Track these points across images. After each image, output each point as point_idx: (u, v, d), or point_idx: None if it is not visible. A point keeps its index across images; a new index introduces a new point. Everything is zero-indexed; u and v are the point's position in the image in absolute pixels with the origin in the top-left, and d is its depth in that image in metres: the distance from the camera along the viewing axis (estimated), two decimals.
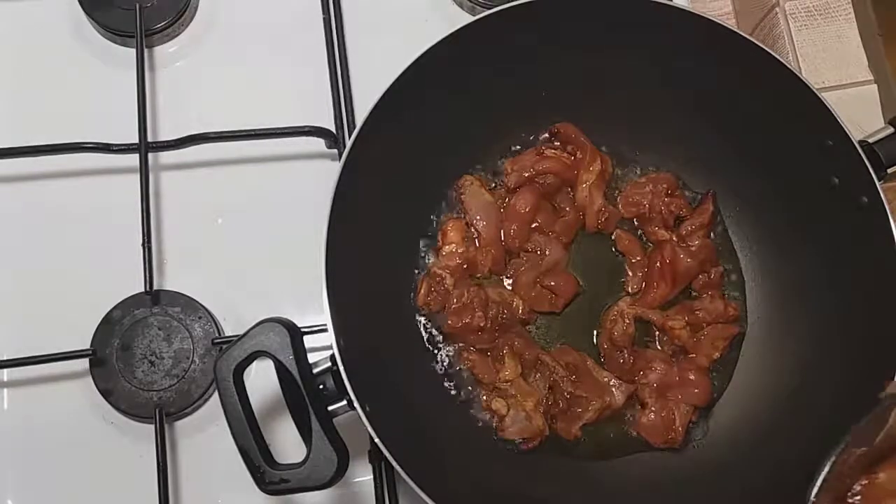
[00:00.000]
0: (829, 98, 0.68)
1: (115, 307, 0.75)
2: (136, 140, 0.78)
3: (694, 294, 0.78)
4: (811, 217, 0.73)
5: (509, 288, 0.77)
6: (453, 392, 0.74)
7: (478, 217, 0.77)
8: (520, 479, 0.72)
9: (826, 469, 0.53)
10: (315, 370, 0.62)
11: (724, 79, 0.73)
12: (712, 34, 0.71)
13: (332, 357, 0.61)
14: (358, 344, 0.63)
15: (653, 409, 0.73)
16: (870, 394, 0.63)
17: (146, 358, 0.75)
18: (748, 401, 0.75)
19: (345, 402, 0.61)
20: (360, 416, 0.60)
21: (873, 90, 0.80)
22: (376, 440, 0.60)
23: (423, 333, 0.75)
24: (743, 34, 0.70)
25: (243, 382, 0.61)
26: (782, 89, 0.70)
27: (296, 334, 0.61)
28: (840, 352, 0.70)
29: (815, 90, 0.68)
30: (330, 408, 0.61)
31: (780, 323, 0.76)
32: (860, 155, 0.66)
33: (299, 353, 0.60)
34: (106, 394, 0.73)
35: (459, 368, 0.75)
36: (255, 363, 0.61)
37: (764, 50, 0.69)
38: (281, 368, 0.60)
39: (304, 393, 0.60)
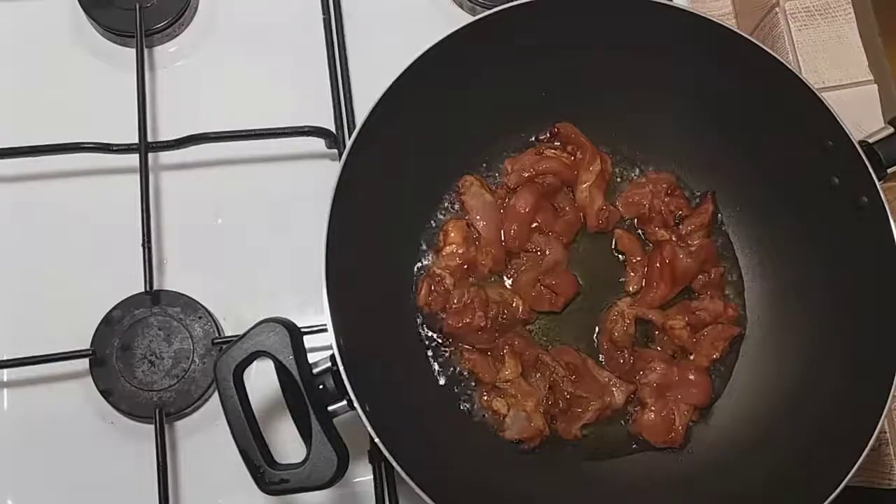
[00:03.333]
0: (829, 98, 0.68)
1: (115, 307, 0.75)
2: (136, 140, 0.78)
3: (694, 294, 0.78)
4: (811, 217, 0.73)
5: (509, 288, 0.77)
6: (453, 392, 0.74)
7: (478, 217, 0.77)
8: (520, 479, 0.72)
9: None
10: (315, 370, 0.62)
11: (724, 79, 0.73)
12: (712, 34, 0.71)
13: (332, 357, 0.61)
14: (358, 344, 0.63)
15: (653, 409, 0.73)
16: (870, 394, 0.64)
17: (146, 358, 0.75)
18: (748, 401, 0.75)
19: (345, 402, 0.61)
20: (360, 416, 0.60)
21: (873, 90, 0.80)
22: (376, 440, 0.60)
23: (423, 333, 0.75)
24: (743, 34, 0.70)
25: (243, 382, 0.61)
26: (782, 89, 0.70)
27: (296, 334, 0.61)
28: (840, 352, 0.69)
29: (815, 90, 0.68)
30: (330, 408, 0.61)
31: (780, 323, 0.76)
32: (860, 155, 0.66)
33: (299, 353, 0.60)
34: (106, 394, 0.73)
35: (459, 368, 0.75)
36: (255, 363, 0.61)
37: (764, 50, 0.69)
38: (281, 368, 0.60)
39: (304, 393, 0.60)
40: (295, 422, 0.62)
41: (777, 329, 0.76)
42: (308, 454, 0.59)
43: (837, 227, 0.70)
